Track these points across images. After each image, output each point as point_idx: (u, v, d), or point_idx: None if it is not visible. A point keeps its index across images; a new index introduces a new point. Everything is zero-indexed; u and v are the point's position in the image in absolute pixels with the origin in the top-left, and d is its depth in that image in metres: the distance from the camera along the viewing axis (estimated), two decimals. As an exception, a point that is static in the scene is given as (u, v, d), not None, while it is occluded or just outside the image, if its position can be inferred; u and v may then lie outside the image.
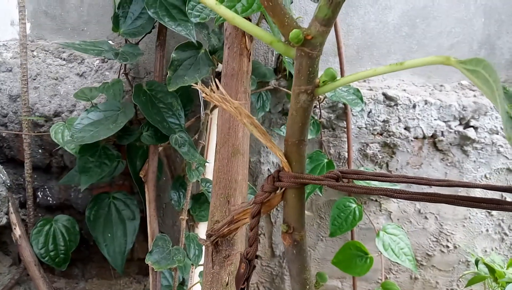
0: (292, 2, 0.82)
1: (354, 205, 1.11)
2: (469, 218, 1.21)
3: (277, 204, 0.38)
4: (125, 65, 0.94)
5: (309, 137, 1.11)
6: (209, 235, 0.46)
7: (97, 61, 1.21)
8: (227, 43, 0.65)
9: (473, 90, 1.20)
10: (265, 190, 0.36)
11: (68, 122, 0.95)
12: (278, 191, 0.38)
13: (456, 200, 0.35)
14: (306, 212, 1.25)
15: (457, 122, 1.14)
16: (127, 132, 0.91)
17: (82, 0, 1.26)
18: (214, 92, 0.34)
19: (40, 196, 1.26)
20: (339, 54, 1.10)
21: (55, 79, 1.21)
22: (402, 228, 1.18)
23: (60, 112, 1.20)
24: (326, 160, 1.14)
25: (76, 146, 0.89)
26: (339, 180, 0.37)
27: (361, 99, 1.06)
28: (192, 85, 0.42)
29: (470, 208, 1.21)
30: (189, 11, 0.71)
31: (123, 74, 0.95)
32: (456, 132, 1.14)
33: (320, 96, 1.13)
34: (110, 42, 1.20)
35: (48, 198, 1.27)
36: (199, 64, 0.79)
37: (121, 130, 0.87)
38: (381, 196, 1.23)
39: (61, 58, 1.22)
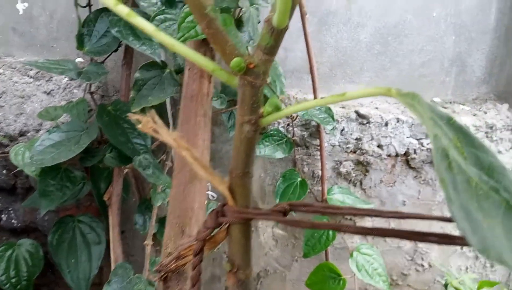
0: (260, 22, 0.81)
1: (328, 225, 1.10)
2: (444, 235, 1.21)
3: (222, 241, 0.36)
4: (90, 84, 0.91)
5: (282, 156, 1.10)
6: (158, 270, 0.43)
7: (66, 79, 1.18)
8: (188, 64, 0.63)
9: (445, 108, 1.21)
10: (207, 227, 0.34)
11: (30, 143, 0.91)
12: (222, 227, 0.35)
13: (404, 233, 0.33)
14: (280, 232, 1.23)
15: (429, 140, 1.15)
16: (91, 153, 0.88)
17: (52, 16, 1.23)
18: (154, 121, 0.32)
19: (4, 219, 1.21)
20: (311, 72, 1.10)
21: (22, 97, 1.17)
22: (377, 247, 1.17)
23: (25, 131, 1.16)
24: (299, 179, 1.12)
25: (37, 169, 0.86)
26: (286, 213, 0.36)
27: (333, 117, 1.05)
28: (142, 109, 0.40)
29: (444, 226, 1.21)
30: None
31: (88, 93, 0.92)
32: (428, 150, 1.14)
33: (293, 115, 1.12)
34: (80, 59, 1.18)
35: (13, 220, 1.22)
36: (164, 84, 0.77)
37: (84, 152, 0.84)
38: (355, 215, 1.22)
39: (28, 76, 1.19)
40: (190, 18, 0.61)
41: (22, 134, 1.15)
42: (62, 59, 0.95)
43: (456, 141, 0.31)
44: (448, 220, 0.41)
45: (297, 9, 1.11)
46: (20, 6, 1.23)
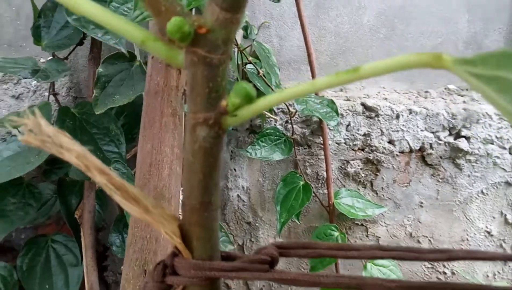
0: None
1: (336, 233, 0.97)
2: (467, 239, 1.08)
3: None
4: (53, 83, 0.79)
5: (281, 157, 0.97)
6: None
7: (35, 81, 1.05)
8: (153, 52, 0.51)
9: (462, 96, 1.07)
10: (147, 293, 0.21)
11: (-14, 156, 0.79)
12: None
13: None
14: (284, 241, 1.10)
15: (447, 133, 1.01)
16: (56, 165, 0.76)
17: (18, 12, 1.11)
18: (42, 128, 0.20)
19: (-26, 239, 1.09)
20: (310, 62, 0.97)
21: (-13, 104, 1.05)
22: (392, 255, 1.04)
23: (-8, 140, 1.04)
24: (302, 183, 1.00)
25: (-7, 186, 0.73)
26: (274, 263, 0.23)
27: (336, 112, 0.92)
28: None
29: (467, 228, 1.08)
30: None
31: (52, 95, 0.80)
32: (446, 144, 1.01)
33: (291, 110, 0.99)
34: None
35: (-14, 241, 1.10)
36: (132, 79, 0.65)
37: (48, 163, 0.72)
38: (367, 219, 1.09)
39: (-6, 79, 1.06)
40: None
41: (-11, 144, 1.03)
42: (22, 57, 0.82)
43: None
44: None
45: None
46: (-17, 3, 1.10)
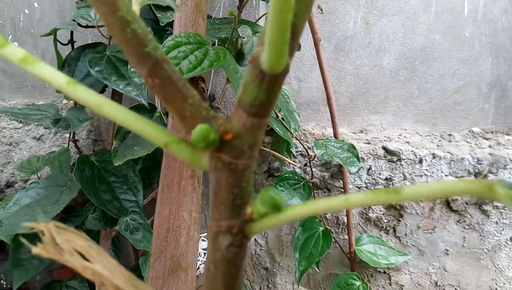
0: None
1: (358, 283, 0.93)
2: (496, 289, 1.02)
3: None
4: (74, 132, 0.79)
5: (300, 202, 0.95)
6: None
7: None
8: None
9: (487, 139, 1.04)
10: None
11: (5, 201, 0.79)
12: None
13: None
14: (302, 289, 1.06)
15: (472, 178, 0.98)
16: (73, 212, 0.75)
17: (43, 55, 1.15)
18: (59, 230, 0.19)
19: (-9, 280, 1.09)
20: (329, 105, 0.96)
21: (9, 145, 1.06)
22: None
23: (13, 182, 1.05)
24: (321, 228, 0.97)
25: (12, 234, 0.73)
26: None
27: (357, 157, 0.90)
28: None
29: (496, 278, 1.02)
30: (132, 69, 0.57)
31: (72, 141, 0.80)
32: (473, 190, 0.97)
33: (310, 154, 0.98)
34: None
35: (2, 281, 1.10)
36: (152, 131, 0.64)
37: (65, 211, 0.71)
38: (390, 267, 1.04)
39: (17, 121, 1.09)
40: (173, 53, 0.48)
41: (9, 185, 1.04)
42: (45, 103, 0.84)
43: None
44: None
45: (309, 35, 0.99)
46: (11, 46, 1.14)
